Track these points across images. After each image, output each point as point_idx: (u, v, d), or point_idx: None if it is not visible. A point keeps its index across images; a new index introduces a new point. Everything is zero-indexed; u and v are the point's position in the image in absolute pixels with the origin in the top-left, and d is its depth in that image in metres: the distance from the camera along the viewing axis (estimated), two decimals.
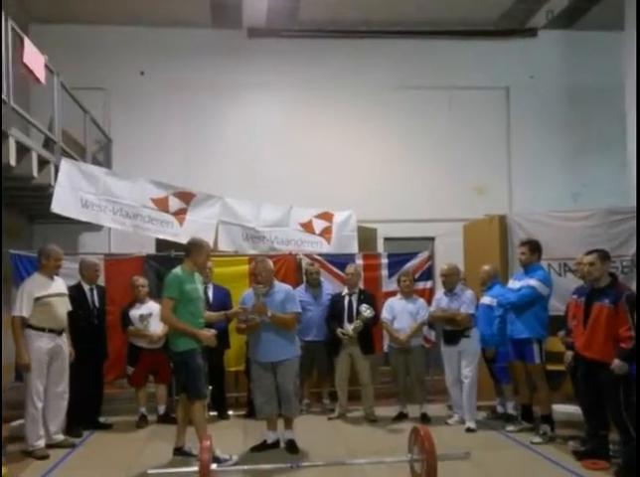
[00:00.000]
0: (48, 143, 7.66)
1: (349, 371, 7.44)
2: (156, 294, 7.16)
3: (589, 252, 5.63)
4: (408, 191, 11.37)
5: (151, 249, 9.25)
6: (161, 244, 9.11)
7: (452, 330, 6.97)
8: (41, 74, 6.93)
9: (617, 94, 9.43)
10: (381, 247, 10.54)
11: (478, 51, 11.75)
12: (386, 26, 11.36)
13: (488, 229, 8.33)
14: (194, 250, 5.75)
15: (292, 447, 6.02)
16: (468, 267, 8.39)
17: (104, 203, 7.65)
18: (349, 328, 7.21)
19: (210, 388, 6.29)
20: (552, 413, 6.48)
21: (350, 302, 7.42)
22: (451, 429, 6.86)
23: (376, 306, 7.40)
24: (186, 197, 8.28)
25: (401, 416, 7.33)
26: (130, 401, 7.68)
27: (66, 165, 7.37)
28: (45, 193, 7.40)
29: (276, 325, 5.88)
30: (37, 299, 6.07)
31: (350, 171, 11.26)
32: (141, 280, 7.37)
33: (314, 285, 7.84)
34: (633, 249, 7.22)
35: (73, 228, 9.20)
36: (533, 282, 6.40)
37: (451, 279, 7.07)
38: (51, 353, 6.15)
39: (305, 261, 8.24)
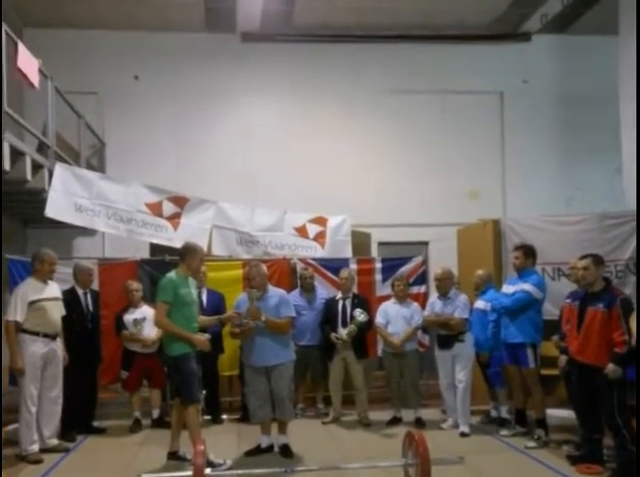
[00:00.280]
0: (42, 147, 7.63)
1: (343, 375, 7.45)
2: (150, 299, 7.12)
3: (583, 257, 5.64)
4: (402, 195, 11.36)
5: (145, 254, 9.20)
6: (155, 249, 9.11)
7: (446, 334, 6.97)
8: (35, 78, 6.91)
9: (611, 99, 9.42)
10: (375, 252, 10.54)
11: (472, 55, 11.72)
12: (379, 30, 11.35)
13: (482, 233, 8.35)
14: (188, 255, 5.75)
15: (286, 452, 6.01)
16: (462, 272, 8.40)
17: (98, 207, 7.68)
18: (343, 332, 7.20)
19: (204, 392, 6.29)
20: (546, 418, 6.50)
21: (344, 307, 7.43)
22: (445, 434, 6.86)
23: (370, 311, 7.39)
24: (180, 201, 8.29)
25: (396, 421, 7.32)
26: (124, 406, 7.67)
27: (60, 169, 7.38)
28: (39, 197, 7.38)
29: (270, 330, 5.87)
30: (31, 303, 6.05)
31: (344, 175, 11.23)
32: (135, 285, 7.36)
33: (308, 290, 7.84)
34: (627, 254, 7.28)
35: (67, 232, 9.20)
36: (527, 287, 6.41)
37: (445, 284, 7.06)
38: (45, 357, 6.12)
39: (299, 266, 8.24)
